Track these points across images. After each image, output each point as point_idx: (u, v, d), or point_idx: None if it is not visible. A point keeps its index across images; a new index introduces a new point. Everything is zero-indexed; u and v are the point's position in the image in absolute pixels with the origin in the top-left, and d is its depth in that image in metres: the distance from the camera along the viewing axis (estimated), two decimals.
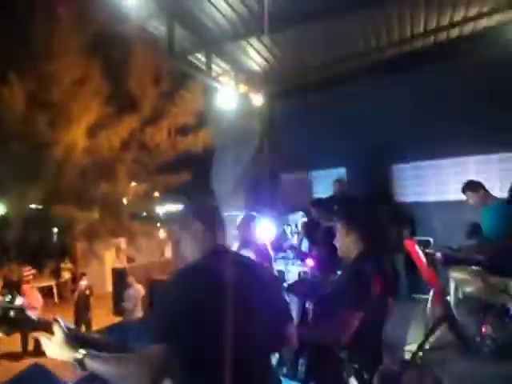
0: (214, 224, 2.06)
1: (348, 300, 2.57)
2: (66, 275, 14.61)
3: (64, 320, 1.66)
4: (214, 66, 7.28)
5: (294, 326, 2.31)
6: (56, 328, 1.64)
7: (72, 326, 1.68)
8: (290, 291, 3.39)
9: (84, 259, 14.40)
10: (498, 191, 6.93)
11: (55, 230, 16.02)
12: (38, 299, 9.60)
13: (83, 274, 10.32)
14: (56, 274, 15.05)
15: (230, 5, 5.95)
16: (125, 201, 14.06)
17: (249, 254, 4.77)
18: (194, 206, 2.19)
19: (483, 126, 7.63)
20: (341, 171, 8.00)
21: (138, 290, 9.21)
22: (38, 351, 8.68)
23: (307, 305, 2.78)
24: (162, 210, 22.77)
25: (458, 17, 8.19)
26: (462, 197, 6.32)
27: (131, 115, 12.65)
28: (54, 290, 14.64)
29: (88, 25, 10.96)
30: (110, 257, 16.24)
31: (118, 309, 10.04)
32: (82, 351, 1.65)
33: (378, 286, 2.61)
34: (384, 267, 2.88)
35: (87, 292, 9.86)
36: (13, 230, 13.28)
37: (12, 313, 1.61)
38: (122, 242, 15.51)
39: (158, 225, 16.36)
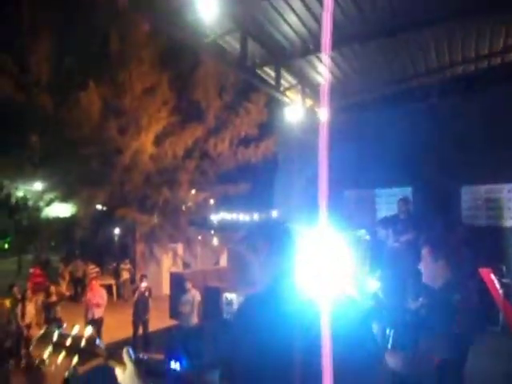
0: (283, 249, 1.84)
1: (436, 329, 2.44)
2: (125, 275, 15.26)
3: (131, 350, 1.65)
4: (282, 81, 7.36)
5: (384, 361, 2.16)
6: (127, 360, 1.62)
7: (143, 355, 1.67)
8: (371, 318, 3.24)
9: (143, 261, 14.98)
10: None
11: (118, 231, 16.91)
12: (103, 296, 10.03)
13: (144, 276, 10.71)
14: (116, 273, 15.79)
15: (301, 21, 6.00)
16: (184, 207, 14.48)
17: None
18: (263, 227, 1.97)
19: None
20: (406, 190, 7.75)
21: (194, 295, 9.37)
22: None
23: (387, 332, 2.67)
24: (216, 218, 23.33)
25: None
26: None
27: (196, 125, 13.12)
28: (114, 289, 15.32)
29: (161, 36, 11.51)
30: (167, 261, 16.82)
31: (174, 312, 10.27)
32: None
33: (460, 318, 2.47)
34: (471, 297, 2.71)
35: (146, 294, 10.20)
36: (80, 229, 14.17)
37: (83, 343, 1.60)
38: (180, 247, 16.00)
39: (212, 232, 16.73)
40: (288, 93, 7.91)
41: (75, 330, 1.63)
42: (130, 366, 1.52)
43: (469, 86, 9.02)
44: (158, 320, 10.76)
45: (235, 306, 9.73)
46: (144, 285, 10.13)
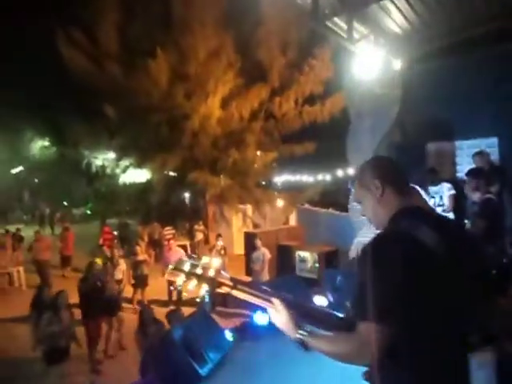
0: (398, 181, 1.71)
1: None
2: (199, 236, 15.95)
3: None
4: (354, 31, 7.02)
5: None
6: (279, 306, 1.66)
7: (300, 300, 1.68)
8: None
9: (214, 222, 15.53)
10: None
11: (190, 194, 17.57)
12: (182, 255, 10.63)
13: (219, 236, 11.18)
14: (191, 234, 16.54)
15: None
16: (251, 169, 14.65)
17: None
18: (373, 161, 1.84)
19: None
20: (491, 141, 7.26)
21: (264, 253, 9.62)
22: (180, 301, 9.80)
23: None
24: (279, 179, 23.41)
25: None
26: None
27: (260, 85, 13.03)
28: (188, 249, 16.11)
29: None
30: (237, 222, 17.32)
31: (249, 270, 10.68)
32: (303, 332, 1.60)
33: None
34: None
35: (222, 252, 10.67)
36: (155, 194, 14.89)
37: (212, 272, 1.67)
38: (248, 208, 16.35)
39: (278, 193, 16.90)
40: (360, 44, 7.57)
41: (204, 261, 1.74)
42: (283, 311, 1.60)
43: None
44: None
45: (309, 264, 9.95)
46: (220, 243, 10.60)
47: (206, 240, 15.56)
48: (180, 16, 12.24)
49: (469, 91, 7.32)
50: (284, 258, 10.32)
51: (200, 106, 12.66)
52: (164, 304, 9.85)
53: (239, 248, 13.83)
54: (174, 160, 13.65)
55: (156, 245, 16.18)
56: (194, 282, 1.68)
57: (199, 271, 1.69)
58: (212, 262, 1.75)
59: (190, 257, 1.79)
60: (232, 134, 13.44)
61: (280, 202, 15.98)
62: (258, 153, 14.55)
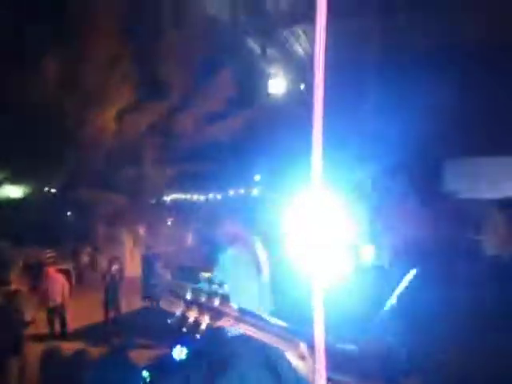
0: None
1: None
2: (85, 259, 14.54)
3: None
4: (266, 52, 7.16)
5: None
6: (305, 352, 1.41)
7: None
8: None
9: (104, 243, 14.38)
10: None
11: (75, 212, 15.98)
12: (62, 282, 9.54)
13: (115, 258, 10.30)
14: (75, 257, 14.95)
15: None
16: (147, 186, 13.98)
17: None
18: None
19: None
20: None
21: (165, 275, 9.14)
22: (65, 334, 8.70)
23: None
24: (168, 198, 22.71)
25: None
26: None
27: (159, 101, 12.55)
28: (72, 274, 14.53)
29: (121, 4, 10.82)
30: (128, 243, 16.22)
31: (146, 293, 10.00)
32: None
33: None
34: None
35: (117, 277, 9.83)
36: (33, 212, 13.25)
37: (217, 301, 1.40)
38: (141, 228, 15.44)
39: (169, 213, 16.42)
40: (272, 64, 7.75)
41: (209, 287, 1.40)
42: (311, 360, 1.33)
43: None
44: (131, 302, 10.39)
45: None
46: (116, 267, 9.77)
47: (93, 263, 14.28)
48: (76, 21, 11.30)
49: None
50: (189, 280, 9.85)
51: (93, 117, 11.72)
52: (44, 338, 8.63)
53: (132, 270, 12.94)
54: (60, 174, 12.39)
55: (32, 271, 14.36)
56: (194, 313, 1.34)
57: (203, 298, 1.35)
58: (217, 288, 1.42)
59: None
60: (127, 148, 12.66)
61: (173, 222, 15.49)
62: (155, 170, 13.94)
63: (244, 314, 1.38)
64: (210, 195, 21.29)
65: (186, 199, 21.86)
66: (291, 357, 1.41)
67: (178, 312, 1.30)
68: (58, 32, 11.14)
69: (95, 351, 5.30)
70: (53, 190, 14.04)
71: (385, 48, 7.55)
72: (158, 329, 7.22)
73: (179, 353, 4.84)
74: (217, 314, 1.34)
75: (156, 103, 12.44)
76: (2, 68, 10.98)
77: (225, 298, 1.36)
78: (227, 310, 1.37)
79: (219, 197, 20.73)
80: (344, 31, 6.57)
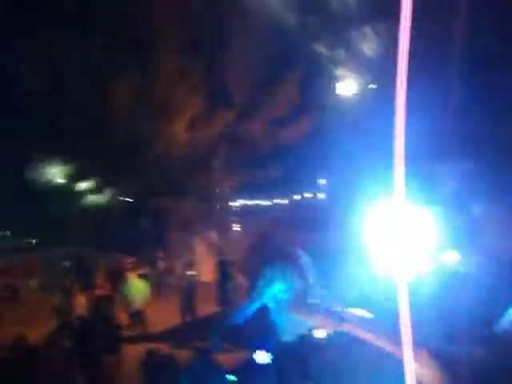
0: None
1: None
2: (161, 265, 15.20)
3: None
4: (335, 52, 7.05)
5: None
6: (427, 360, 1.36)
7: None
8: None
9: (179, 249, 14.90)
10: None
11: (151, 220, 16.79)
12: (141, 287, 9.97)
13: (189, 264, 10.67)
14: (152, 263, 15.70)
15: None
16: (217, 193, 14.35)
17: None
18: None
19: None
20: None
21: (241, 281, 9.26)
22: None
23: None
24: (234, 204, 23.01)
25: None
26: None
27: (226, 109, 12.84)
28: (149, 279, 15.21)
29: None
30: (201, 248, 16.69)
31: (221, 299, 10.21)
32: None
33: None
34: None
35: (193, 281, 10.16)
36: (114, 220, 14.10)
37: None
38: (213, 234, 15.82)
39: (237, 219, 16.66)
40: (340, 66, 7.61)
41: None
42: (433, 368, 1.29)
43: None
44: (206, 308, 10.65)
45: None
46: (191, 273, 10.12)
47: (169, 269, 14.84)
48: (144, 38, 11.88)
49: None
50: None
51: (164, 130, 12.24)
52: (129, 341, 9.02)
53: (206, 276, 13.28)
54: (136, 185, 13.09)
55: (114, 276, 15.22)
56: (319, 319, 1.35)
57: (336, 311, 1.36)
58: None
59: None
60: (198, 157, 13.08)
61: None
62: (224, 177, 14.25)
63: (362, 320, 1.36)
64: (277, 200, 21.38)
65: (254, 205, 22.16)
66: (410, 363, 1.36)
67: (309, 320, 1.30)
68: (127, 47, 11.80)
69: (180, 354, 5.48)
70: (130, 200, 14.80)
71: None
72: (235, 333, 7.36)
73: (262, 357, 4.87)
74: (339, 319, 1.35)
75: (224, 111, 12.74)
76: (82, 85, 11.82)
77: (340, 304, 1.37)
78: (347, 316, 1.37)
79: (286, 202, 20.76)
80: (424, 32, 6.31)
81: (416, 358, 1.39)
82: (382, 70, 7.58)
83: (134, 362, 5.67)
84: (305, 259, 6.47)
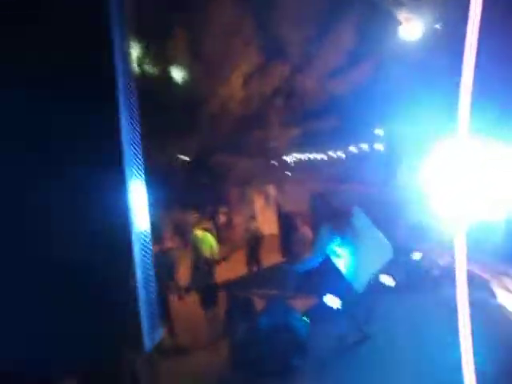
0: None
1: None
2: (222, 219, 15.82)
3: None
4: None
5: None
6: None
7: None
8: None
9: (238, 204, 15.38)
10: None
11: (211, 177, 17.31)
12: (209, 240, 10.47)
13: (252, 217, 11.09)
14: (213, 217, 16.38)
15: None
16: (274, 148, 14.45)
17: None
18: None
19: None
20: None
21: (305, 233, 9.43)
22: None
23: None
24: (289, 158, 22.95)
25: None
26: None
27: (281, 62, 12.65)
28: (213, 232, 15.91)
29: None
30: (260, 202, 17.12)
31: (285, 250, 10.57)
32: None
33: None
34: None
35: (257, 233, 10.58)
36: (178, 180, 14.66)
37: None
38: (271, 188, 16.12)
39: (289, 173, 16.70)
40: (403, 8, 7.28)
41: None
42: None
43: None
44: (269, 258, 11.09)
45: None
46: (254, 225, 10.52)
47: (230, 223, 15.43)
48: None
49: None
50: None
51: (220, 87, 12.33)
52: None
53: (267, 228, 13.71)
54: (195, 144, 13.42)
55: (181, 230, 16.02)
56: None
57: None
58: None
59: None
60: (253, 112, 13.13)
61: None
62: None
63: None
64: (332, 153, 21.06)
65: (310, 159, 22.02)
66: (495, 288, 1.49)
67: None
68: (179, 5, 11.75)
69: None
70: (187, 159, 15.24)
71: None
72: (303, 282, 7.69)
73: (332, 300, 5.14)
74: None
75: (278, 65, 12.57)
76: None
77: None
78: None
79: (342, 154, 20.43)
80: None
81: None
82: (450, 8, 7.14)
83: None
84: (362, 219, 6.55)
